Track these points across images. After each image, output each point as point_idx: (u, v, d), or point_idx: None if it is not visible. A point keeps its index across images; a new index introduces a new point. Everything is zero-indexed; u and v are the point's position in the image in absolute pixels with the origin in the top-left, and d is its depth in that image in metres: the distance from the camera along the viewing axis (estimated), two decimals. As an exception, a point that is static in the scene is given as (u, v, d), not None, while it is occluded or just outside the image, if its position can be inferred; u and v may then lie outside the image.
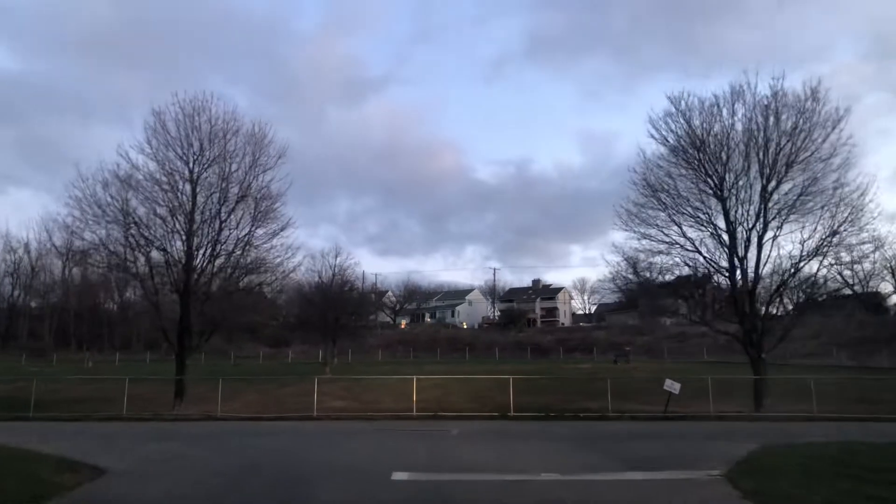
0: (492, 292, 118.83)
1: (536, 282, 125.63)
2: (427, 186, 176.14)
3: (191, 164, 23.02)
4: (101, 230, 22.23)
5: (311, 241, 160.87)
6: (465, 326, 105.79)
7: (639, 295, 36.42)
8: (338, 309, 48.32)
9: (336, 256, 47.90)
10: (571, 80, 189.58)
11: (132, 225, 22.54)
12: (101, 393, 26.79)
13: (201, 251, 23.74)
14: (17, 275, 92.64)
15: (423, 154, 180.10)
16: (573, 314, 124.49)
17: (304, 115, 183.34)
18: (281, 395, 28.80)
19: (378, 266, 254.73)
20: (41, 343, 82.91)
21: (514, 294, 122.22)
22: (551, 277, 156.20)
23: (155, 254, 23.60)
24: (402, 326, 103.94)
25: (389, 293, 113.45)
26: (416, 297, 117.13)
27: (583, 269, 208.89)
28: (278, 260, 24.87)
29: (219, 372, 32.48)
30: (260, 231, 24.24)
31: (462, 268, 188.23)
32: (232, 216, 23.80)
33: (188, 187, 23.22)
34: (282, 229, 24.38)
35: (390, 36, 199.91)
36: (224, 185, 23.35)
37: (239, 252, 24.20)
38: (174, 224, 23.26)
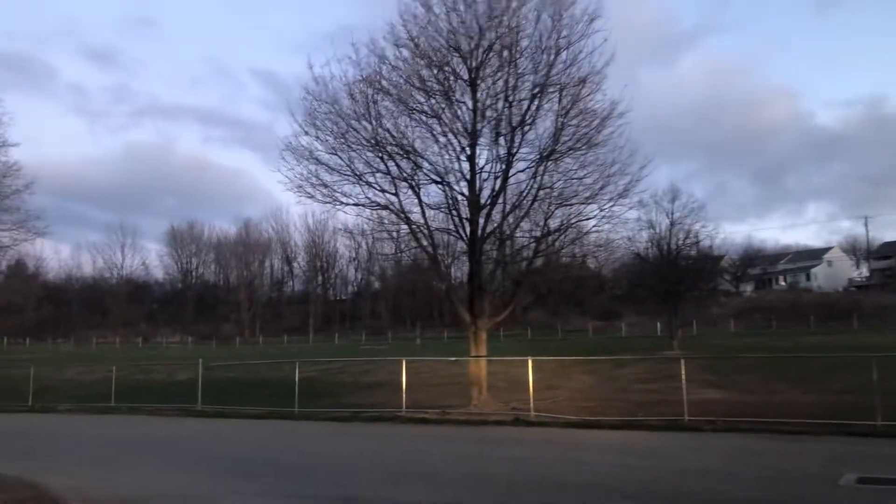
0: (854, 250, 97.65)
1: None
2: (756, 141, 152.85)
3: (470, 55, 15.77)
4: (347, 153, 16.22)
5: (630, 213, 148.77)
6: (820, 290, 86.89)
7: None
8: (679, 274, 38.80)
9: (672, 215, 38.22)
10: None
11: (390, 145, 16.24)
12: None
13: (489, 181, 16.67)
14: (357, 259, 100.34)
15: (750, 105, 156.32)
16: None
17: (612, 82, 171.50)
18: (622, 379, 20.80)
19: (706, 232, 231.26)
20: (379, 322, 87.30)
21: (890, 248, 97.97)
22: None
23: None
24: (748, 293, 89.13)
25: (727, 257, 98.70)
26: (758, 262, 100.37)
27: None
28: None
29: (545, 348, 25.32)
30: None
31: (804, 227, 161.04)
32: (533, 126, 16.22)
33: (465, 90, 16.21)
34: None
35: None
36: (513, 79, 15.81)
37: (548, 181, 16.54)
38: (454, 145, 16.50)
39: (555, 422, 14.37)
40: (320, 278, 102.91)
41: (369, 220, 18.38)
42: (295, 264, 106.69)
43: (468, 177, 17.03)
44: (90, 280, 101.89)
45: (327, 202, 16.83)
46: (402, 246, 20.36)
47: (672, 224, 38.84)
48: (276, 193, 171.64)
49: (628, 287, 57.24)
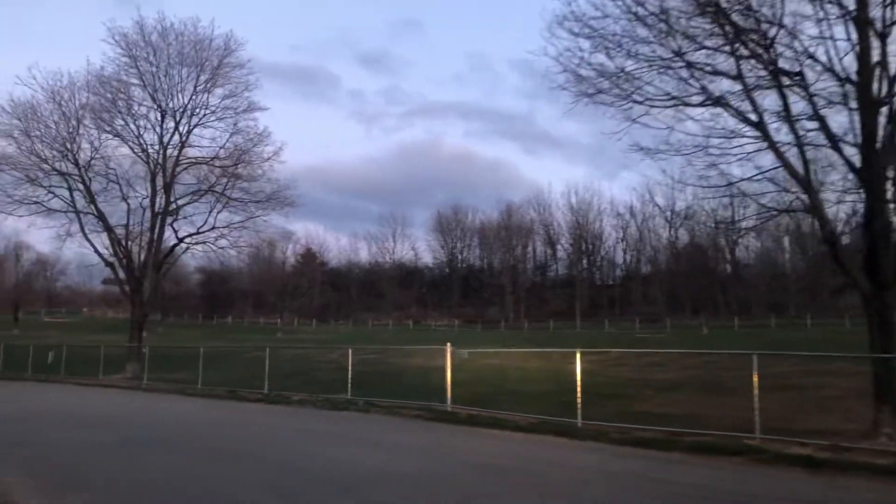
0: None
1: None
2: None
3: None
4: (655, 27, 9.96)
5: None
6: None
7: None
8: None
9: None
10: None
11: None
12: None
13: None
14: (626, 240, 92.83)
15: None
16: None
17: None
18: None
19: None
20: (653, 308, 79.11)
21: None
22: None
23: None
24: None
25: None
26: None
27: None
28: None
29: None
30: None
31: None
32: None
33: None
34: None
35: None
36: None
37: None
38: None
39: None
40: (585, 261, 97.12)
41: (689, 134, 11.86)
42: (558, 247, 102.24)
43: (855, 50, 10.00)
44: (366, 266, 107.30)
45: (619, 102, 10.83)
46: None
47: None
48: (537, 178, 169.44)
49: None
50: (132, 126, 25.61)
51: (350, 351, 16.94)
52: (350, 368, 16.81)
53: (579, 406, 11.91)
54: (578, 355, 12.53)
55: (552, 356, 20.15)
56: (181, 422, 13.27)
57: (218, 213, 26.56)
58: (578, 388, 12.09)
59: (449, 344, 14.84)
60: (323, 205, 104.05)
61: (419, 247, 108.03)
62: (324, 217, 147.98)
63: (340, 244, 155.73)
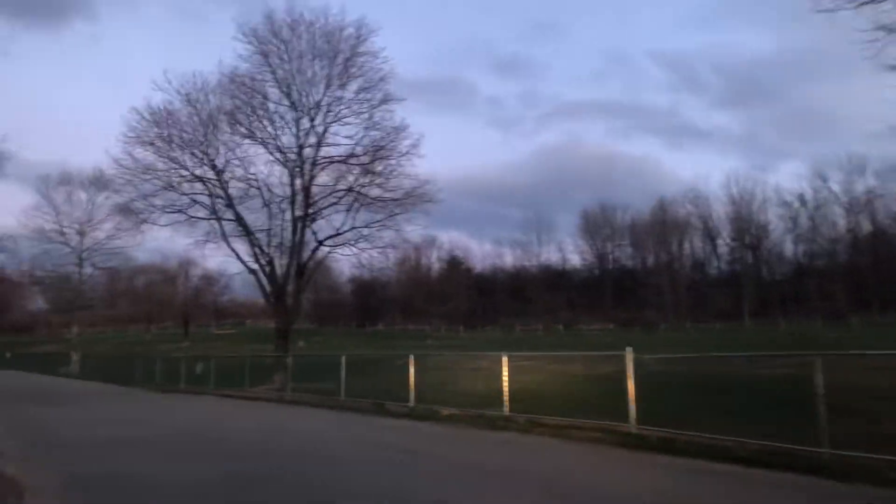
0: None
1: None
2: None
3: None
4: None
5: None
6: None
7: None
8: None
9: None
10: None
11: None
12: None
13: None
14: (795, 231, 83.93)
15: None
16: None
17: None
18: None
19: None
20: (835, 305, 70.33)
21: None
22: None
23: None
24: None
25: None
26: None
27: None
28: None
29: None
30: None
31: None
32: None
33: None
34: None
35: None
36: None
37: None
38: None
39: None
40: (750, 255, 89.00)
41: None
42: (718, 241, 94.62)
43: None
44: (512, 270, 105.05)
45: None
46: None
47: None
48: (684, 172, 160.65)
49: None
50: (268, 127, 24.76)
51: (505, 358, 14.34)
52: (506, 378, 14.24)
53: (823, 426, 8.60)
54: (820, 361, 9.14)
55: (731, 360, 16.71)
56: (305, 449, 11.14)
57: (356, 212, 25.15)
58: (820, 403, 8.75)
59: (630, 349, 11.87)
60: (465, 213, 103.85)
61: (566, 248, 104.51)
62: (466, 225, 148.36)
63: (484, 250, 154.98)
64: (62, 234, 46.06)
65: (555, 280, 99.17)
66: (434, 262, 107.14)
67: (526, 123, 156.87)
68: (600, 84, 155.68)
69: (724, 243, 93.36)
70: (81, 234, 46.26)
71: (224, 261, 26.55)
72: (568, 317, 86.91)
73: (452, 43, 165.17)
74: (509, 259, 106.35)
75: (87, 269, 48.29)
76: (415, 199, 24.66)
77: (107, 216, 43.50)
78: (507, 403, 13.99)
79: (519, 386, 14.82)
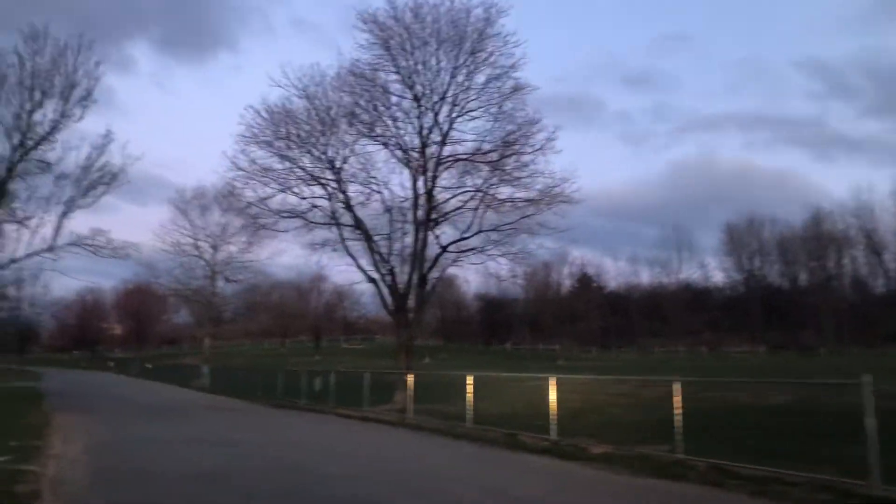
0: None
1: None
2: None
3: None
4: None
5: None
6: None
7: None
8: None
9: None
10: None
11: None
12: None
13: None
14: None
15: None
16: None
17: None
18: None
19: None
20: None
21: None
22: None
23: None
24: None
25: None
26: None
27: None
28: None
29: None
30: None
31: None
32: None
33: None
34: None
35: None
36: None
37: None
38: None
39: None
40: (925, 271, 78.40)
41: None
42: (885, 256, 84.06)
43: None
44: (648, 289, 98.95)
45: None
46: None
47: None
48: (833, 185, 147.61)
49: None
50: (389, 124, 22.80)
51: (678, 385, 11.10)
52: (678, 409, 11.03)
53: None
54: None
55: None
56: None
57: (484, 214, 22.61)
58: None
59: (867, 377, 8.42)
60: (595, 230, 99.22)
61: (708, 265, 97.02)
62: (596, 242, 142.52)
63: (617, 267, 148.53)
64: (197, 247, 46.99)
65: (696, 299, 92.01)
66: (564, 279, 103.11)
67: (657, 138, 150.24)
68: (736, 95, 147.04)
69: (891, 258, 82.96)
70: (214, 247, 46.97)
71: (345, 270, 24.61)
72: (711, 338, 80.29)
73: (579, 59, 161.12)
74: (645, 277, 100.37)
75: (220, 283, 49.08)
76: (550, 198, 21.82)
77: (238, 230, 43.66)
78: (679, 442, 10.79)
79: (692, 418, 11.51)
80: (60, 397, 28.51)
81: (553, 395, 13.91)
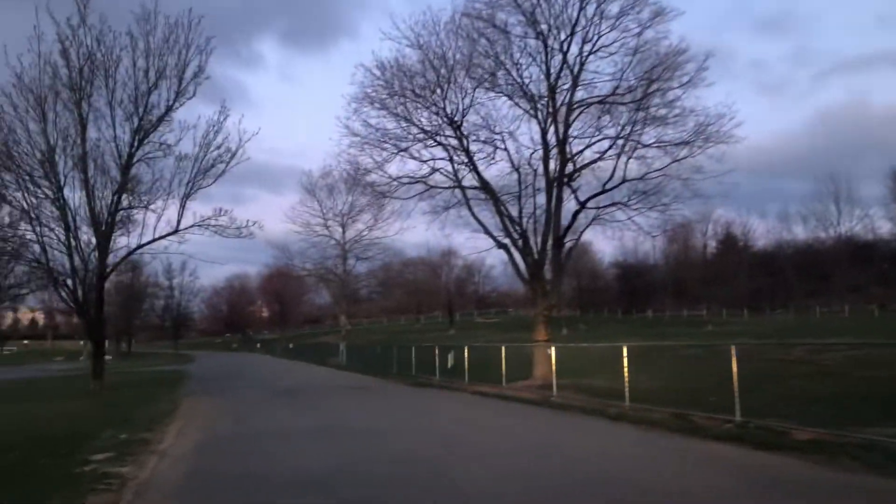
0: None
1: None
2: None
3: None
4: None
5: None
6: None
7: None
8: None
9: None
10: None
11: None
12: None
13: None
14: None
15: None
16: None
17: None
18: None
19: None
20: None
21: None
22: None
23: None
24: None
25: None
26: None
27: None
28: None
29: None
30: None
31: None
32: None
33: None
34: None
35: None
36: None
37: None
38: None
39: None
40: None
41: None
42: None
43: None
44: (802, 246, 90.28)
45: None
46: None
47: None
48: None
49: None
50: (512, 69, 20.46)
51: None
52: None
53: None
54: None
55: None
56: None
57: (626, 162, 19.86)
58: None
59: None
60: (735, 189, 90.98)
61: (872, 216, 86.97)
62: (737, 201, 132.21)
63: (766, 224, 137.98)
64: (326, 227, 47.08)
65: (860, 253, 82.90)
66: (708, 240, 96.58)
67: (797, 85, 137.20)
68: (887, 31, 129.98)
69: None
70: (343, 226, 46.86)
71: (472, 238, 22.55)
72: (882, 295, 71.92)
73: (705, 6, 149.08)
74: (798, 233, 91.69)
75: (351, 262, 49.07)
76: (706, 138, 18.74)
77: (363, 207, 43.07)
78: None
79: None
80: (199, 381, 28.82)
81: (735, 366, 11.27)
